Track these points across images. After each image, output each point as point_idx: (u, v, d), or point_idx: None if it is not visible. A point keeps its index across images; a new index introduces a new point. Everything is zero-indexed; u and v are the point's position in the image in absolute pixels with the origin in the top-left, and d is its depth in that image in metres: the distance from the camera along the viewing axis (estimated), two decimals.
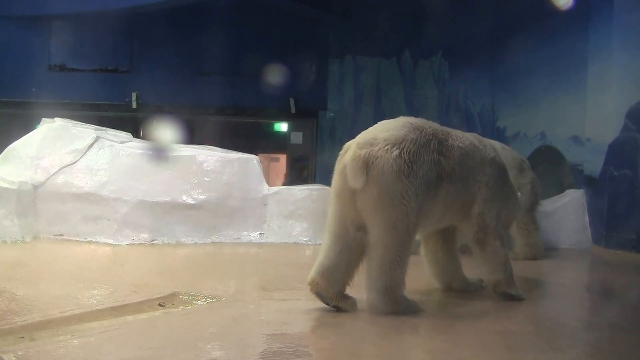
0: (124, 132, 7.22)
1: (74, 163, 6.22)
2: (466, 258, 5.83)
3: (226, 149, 6.83)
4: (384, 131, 3.37)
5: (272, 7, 12.37)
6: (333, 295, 3.36)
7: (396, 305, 3.35)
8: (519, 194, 4.42)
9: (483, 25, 9.33)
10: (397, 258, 3.29)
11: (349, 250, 3.36)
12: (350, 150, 3.31)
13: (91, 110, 11.76)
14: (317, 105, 12.84)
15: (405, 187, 3.24)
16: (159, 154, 6.47)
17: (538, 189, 5.96)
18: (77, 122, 7.00)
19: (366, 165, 3.20)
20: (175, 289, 3.94)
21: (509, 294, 3.85)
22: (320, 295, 3.39)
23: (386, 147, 3.25)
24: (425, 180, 3.34)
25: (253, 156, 6.59)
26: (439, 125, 3.66)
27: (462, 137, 3.74)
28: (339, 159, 3.41)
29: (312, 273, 3.40)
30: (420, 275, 4.99)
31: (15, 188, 5.82)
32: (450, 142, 3.57)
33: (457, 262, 4.18)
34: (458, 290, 4.07)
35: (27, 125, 7.88)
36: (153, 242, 5.95)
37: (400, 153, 3.25)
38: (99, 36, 11.95)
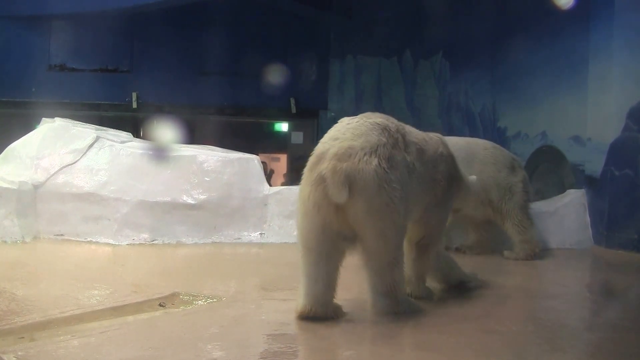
0: (124, 132, 7.21)
1: (74, 163, 6.21)
2: (467, 258, 5.84)
3: (227, 149, 6.82)
4: (357, 137, 3.26)
5: (272, 6, 12.37)
6: (330, 314, 3.31)
7: (399, 305, 3.37)
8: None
9: (484, 25, 9.31)
10: (393, 260, 3.32)
11: (334, 264, 3.31)
12: (327, 163, 3.16)
13: (91, 110, 11.76)
14: (317, 105, 12.85)
15: (389, 193, 3.21)
16: (160, 153, 6.46)
17: (529, 187, 6.00)
18: (77, 122, 6.99)
19: (348, 179, 3.11)
20: (175, 289, 3.94)
21: (416, 295, 3.87)
22: (314, 319, 3.27)
23: (365, 158, 3.17)
24: (402, 181, 3.32)
25: (253, 156, 6.58)
26: (395, 119, 3.61)
27: (415, 132, 3.75)
28: (310, 168, 3.26)
29: (303, 301, 3.27)
30: None
31: (16, 188, 5.81)
32: (407, 137, 3.55)
33: (452, 259, 4.18)
34: (459, 288, 4.06)
35: (27, 125, 7.87)
36: (153, 242, 5.94)
37: (378, 161, 3.20)
38: (99, 36, 11.94)
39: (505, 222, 5.80)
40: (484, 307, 3.90)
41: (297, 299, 3.34)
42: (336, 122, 3.51)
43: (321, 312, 3.27)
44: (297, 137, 13.51)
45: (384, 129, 3.38)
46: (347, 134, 3.29)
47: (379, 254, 3.28)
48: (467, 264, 5.61)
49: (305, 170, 3.31)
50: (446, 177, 3.89)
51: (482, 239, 6.10)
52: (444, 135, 6.74)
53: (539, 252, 5.76)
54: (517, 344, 3.15)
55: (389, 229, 3.25)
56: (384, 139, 3.31)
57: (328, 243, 3.24)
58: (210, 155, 6.41)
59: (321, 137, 3.44)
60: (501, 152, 6.01)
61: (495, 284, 4.85)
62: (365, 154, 3.19)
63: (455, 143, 6.04)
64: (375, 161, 3.19)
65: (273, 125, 14.27)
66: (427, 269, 3.94)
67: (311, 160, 3.29)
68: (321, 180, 3.15)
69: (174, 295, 3.84)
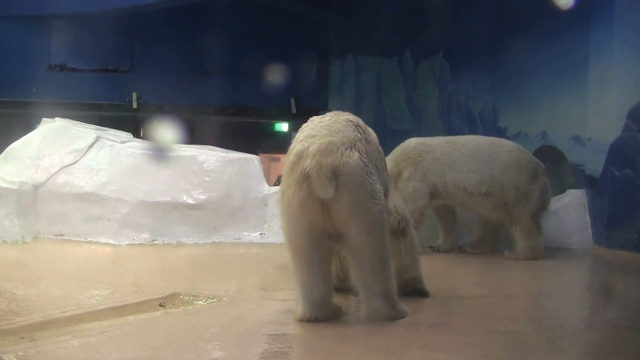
0: (125, 132, 7.21)
1: (74, 163, 6.21)
2: (468, 257, 5.84)
3: (227, 149, 6.83)
4: (334, 133, 3.23)
5: (273, 6, 12.37)
6: (330, 316, 3.31)
7: (395, 309, 3.34)
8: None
9: (484, 25, 9.31)
10: (384, 258, 3.28)
11: (326, 264, 3.29)
12: (311, 159, 3.11)
13: (91, 110, 11.76)
14: (318, 105, 12.83)
15: (372, 185, 3.21)
16: (160, 153, 6.46)
17: (548, 195, 5.93)
18: (78, 122, 7.00)
19: (334, 173, 3.08)
20: (175, 289, 3.94)
21: (420, 290, 3.89)
22: (316, 321, 3.28)
23: (347, 152, 3.16)
24: (376, 174, 3.33)
25: (253, 156, 6.59)
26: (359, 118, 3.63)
27: (371, 131, 3.73)
28: (291, 167, 3.18)
29: (302, 308, 3.25)
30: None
31: (16, 188, 5.81)
32: (370, 136, 3.57)
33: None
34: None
35: (27, 125, 7.88)
36: (153, 242, 5.95)
37: (359, 155, 3.20)
38: (99, 36, 11.94)
39: (513, 226, 5.78)
40: (484, 307, 3.90)
41: (295, 306, 3.33)
42: None
43: (322, 316, 3.26)
44: None
45: (357, 125, 3.40)
46: (323, 130, 3.26)
47: (370, 249, 3.21)
48: (468, 263, 5.64)
49: (285, 171, 3.25)
50: (386, 167, 3.92)
51: (486, 239, 6.09)
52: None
53: (541, 258, 5.74)
54: (517, 344, 3.15)
55: (376, 222, 3.21)
56: (359, 135, 3.32)
57: (317, 243, 3.20)
58: (210, 156, 6.42)
59: None
60: (525, 156, 5.96)
61: (495, 283, 4.86)
62: (346, 149, 3.17)
63: (479, 143, 6.05)
64: (356, 155, 3.18)
65: (273, 125, 14.27)
66: (418, 249, 3.96)
67: (291, 159, 3.23)
68: (305, 178, 3.10)
69: (174, 295, 3.84)
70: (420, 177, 5.79)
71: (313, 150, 3.14)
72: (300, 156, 3.17)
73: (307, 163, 3.11)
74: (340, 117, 3.42)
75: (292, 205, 3.16)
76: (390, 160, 5.97)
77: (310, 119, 3.47)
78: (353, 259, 3.28)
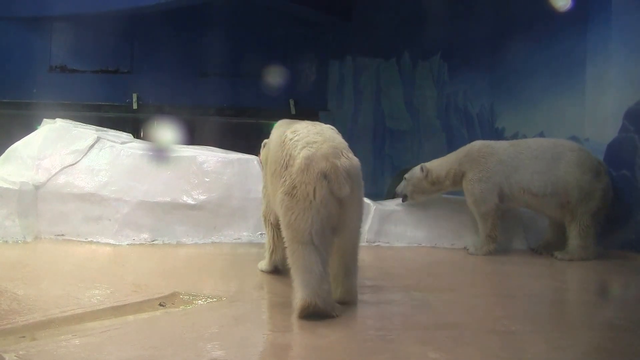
0: (125, 133, 7.23)
1: (75, 163, 6.24)
2: (467, 257, 5.86)
3: (226, 150, 6.85)
4: (331, 140, 3.57)
5: (272, 8, 12.39)
6: (329, 309, 3.35)
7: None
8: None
9: (482, 27, 9.34)
10: (357, 250, 3.70)
11: (328, 258, 3.45)
12: (325, 162, 3.39)
13: (92, 111, 11.77)
14: (317, 106, 12.86)
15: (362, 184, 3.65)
16: (160, 154, 6.48)
17: (610, 195, 5.94)
18: (78, 122, 7.02)
19: (349, 174, 3.43)
20: (175, 288, 3.96)
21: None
22: (316, 316, 3.32)
23: (349, 155, 3.53)
24: None
25: (253, 157, 6.61)
26: None
27: None
28: (303, 169, 3.40)
29: (305, 296, 3.28)
30: (420, 275, 5.01)
31: (17, 188, 5.84)
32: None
33: None
34: None
35: (28, 125, 7.89)
36: (154, 242, 5.97)
37: (356, 159, 3.58)
38: (99, 37, 11.96)
39: (571, 224, 5.82)
40: (484, 307, 3.93)
41: (294, 299, 3.35)
42: (335, 123, 3.73)
43: (323, 308, 3.30)
44: None
45: (338, 133, 3.79)
46: (319, 138, 3.56)
47: (357, 237, 3.66)
48: (468, 263, 5.66)
49: (297, 172, 3.43)
50: None
51: (558, 240, 6.10)
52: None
53: (593, 258, 5.77)
54: (517, 344, 3.17)
55: (361, 215, 3.68)
56: (344, 141, 3.68)
57: (324, 240, 3.39)
58: (210, 156, 6.44)
59: None
60: (588, 155, 6.00)
61: (495, 283, 4.88)
62: (347, 152, 3.55)
63: (542, 145, 6.13)
64: (355, 158, 3.57)
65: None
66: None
67: (302, 162, 3.43)
68: (323, 178, 3.38)
69: (174, 295, 3.86)
70: (486, 178, 5.91)
71: (324, 154, 3.43)
72: (311, 159, 3.42)
73: (323, 165, 3.39)
74: (323, 126, 3.79)
75: (314, 201, 3.37)
76: (452, 160, 6.17)
77: (294, 128, 3.71)
78: (343, 247, 3.57)
